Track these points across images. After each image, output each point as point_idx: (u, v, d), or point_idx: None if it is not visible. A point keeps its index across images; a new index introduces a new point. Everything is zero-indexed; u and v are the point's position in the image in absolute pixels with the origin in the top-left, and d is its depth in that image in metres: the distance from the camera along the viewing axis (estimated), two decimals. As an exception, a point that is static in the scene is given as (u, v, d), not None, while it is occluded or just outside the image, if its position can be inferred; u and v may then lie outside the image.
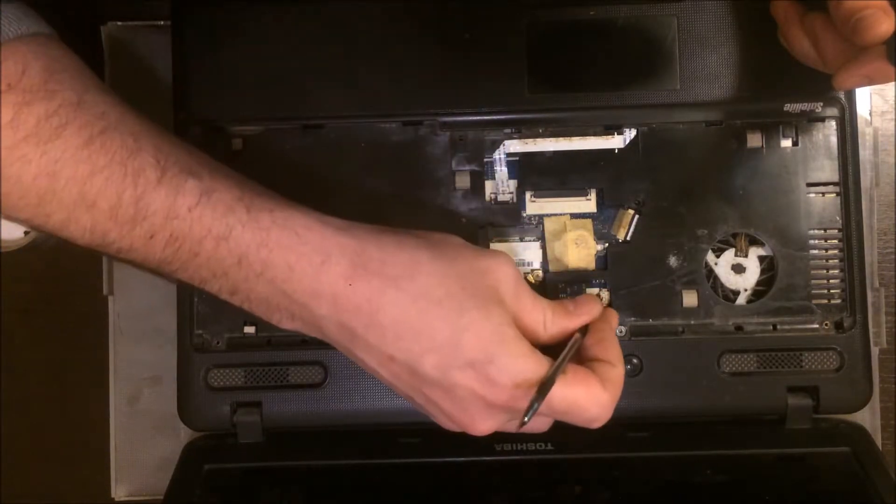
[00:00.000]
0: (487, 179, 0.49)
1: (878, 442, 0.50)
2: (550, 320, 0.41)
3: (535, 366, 0.38)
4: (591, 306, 0.42)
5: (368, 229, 0.39)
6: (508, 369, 0.37)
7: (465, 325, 0.37)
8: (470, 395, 0.38)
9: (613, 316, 0.44)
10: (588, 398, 0.38)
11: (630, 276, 0.49)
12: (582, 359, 0.40)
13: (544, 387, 0.37)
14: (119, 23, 0.53)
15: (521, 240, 0.49)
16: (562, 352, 0.39)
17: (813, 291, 0.48)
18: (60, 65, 0.37)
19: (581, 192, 0.49)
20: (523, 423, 0.37)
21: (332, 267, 0.38)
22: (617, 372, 0.40)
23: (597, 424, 0.39)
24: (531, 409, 0.37)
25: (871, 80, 0.39)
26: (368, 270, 0.38)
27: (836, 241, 0.48)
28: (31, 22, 0.37)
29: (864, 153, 0.51)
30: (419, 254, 0.39)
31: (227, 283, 0.38)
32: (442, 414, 0.39)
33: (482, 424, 0.39)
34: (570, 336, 0.41)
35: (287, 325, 0.40)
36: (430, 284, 0.38)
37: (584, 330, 0.41)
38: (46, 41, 0.37)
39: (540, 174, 0.49)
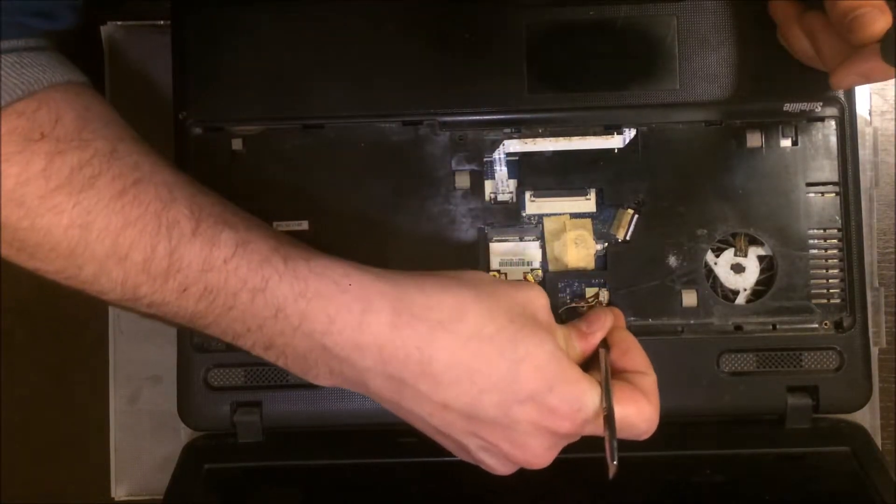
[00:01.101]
0: (487, 179, 0.49)
1: (878, 442, 0.50)
2: (570, 345, 0.40)
3: (589, 388, 0.37)
4: (602, 320, 0.42)
5: (406, 274, 0.38)
6: (568, 396, 0.37)
7: (522, 357, 0.36)
8: (532, 429, 0.37)
9: (622, 318, 0.43)
10: (638, 415, 0.38)
11: (629, 276, 0.49)
12: (612, 373, 0.40)
13: (609, 419, 0.36)
14: (119, 23, 0.53)
15: (521, 239, 0.49)
16: (592, 373, 0.39)
17: (812, 291, 0.48)
18: (94, 114, 0.36)
19: (581, 191, 0.49)
20: (615, 469, 0.36)
21: (374, 315, 0.36)
22: (652, 379, 0.39)
23: (645, 437, 0.39)
24: (613, 449, 0.36)
25: (867, 79, 0.39)
26: (414, 316, 0.36)
27: (835, 241, 0.48)
28: (65, 70, 0.36)
29: (864, 153, 0.51)
30: (463, 293, 0.37)
31: (263, 337, 0.37)
32: (499, 456, 0.38)
33: (543, 457, 0.38)
34: (589, 356, 0.41)
35: (325, 381, 0.38)
36: (480, 323, 0.36)
37: (604, 343, 0.41)
38: (80, 89, 0.36)
39: (539, 174, 0.49)
